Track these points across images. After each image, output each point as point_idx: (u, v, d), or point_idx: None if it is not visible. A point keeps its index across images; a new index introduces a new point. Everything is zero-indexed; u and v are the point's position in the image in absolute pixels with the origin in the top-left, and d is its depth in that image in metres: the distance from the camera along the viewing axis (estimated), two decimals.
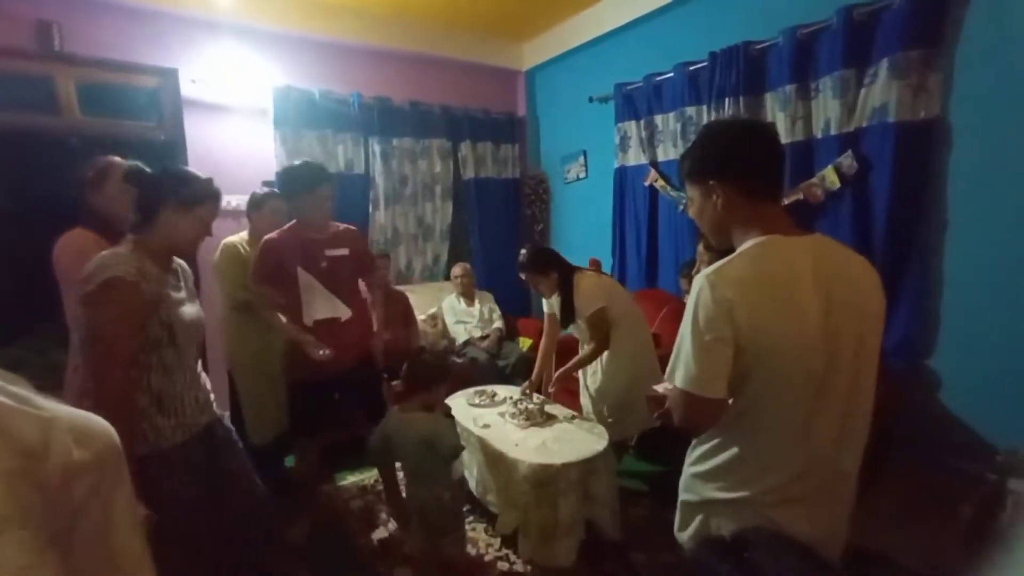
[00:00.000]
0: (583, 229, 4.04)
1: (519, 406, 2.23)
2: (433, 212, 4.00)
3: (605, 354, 2.22)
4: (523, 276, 2.30)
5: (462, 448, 1.72)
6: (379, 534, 2.15)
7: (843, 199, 2.37)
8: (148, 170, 1.33)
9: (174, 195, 1.31)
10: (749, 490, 0.94)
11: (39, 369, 2.10)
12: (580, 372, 2.36)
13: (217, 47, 3.12)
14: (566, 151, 4.09)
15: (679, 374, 0.91)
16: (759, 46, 2.61)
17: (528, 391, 2.38)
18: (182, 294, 1.35)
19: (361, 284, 2.17)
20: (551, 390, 2.32)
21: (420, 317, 3.35)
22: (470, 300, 3.64)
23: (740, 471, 0.96)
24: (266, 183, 2.35)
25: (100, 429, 0.62)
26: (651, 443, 2.44)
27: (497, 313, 3.68)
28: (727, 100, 2.73)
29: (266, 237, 1.98)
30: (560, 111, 4.15)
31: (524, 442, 2.00)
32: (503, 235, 4.28)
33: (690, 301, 0.92)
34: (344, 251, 1.99)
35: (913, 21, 2.08)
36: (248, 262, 2.22)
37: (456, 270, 3.65)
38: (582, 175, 3.99)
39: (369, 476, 2.59)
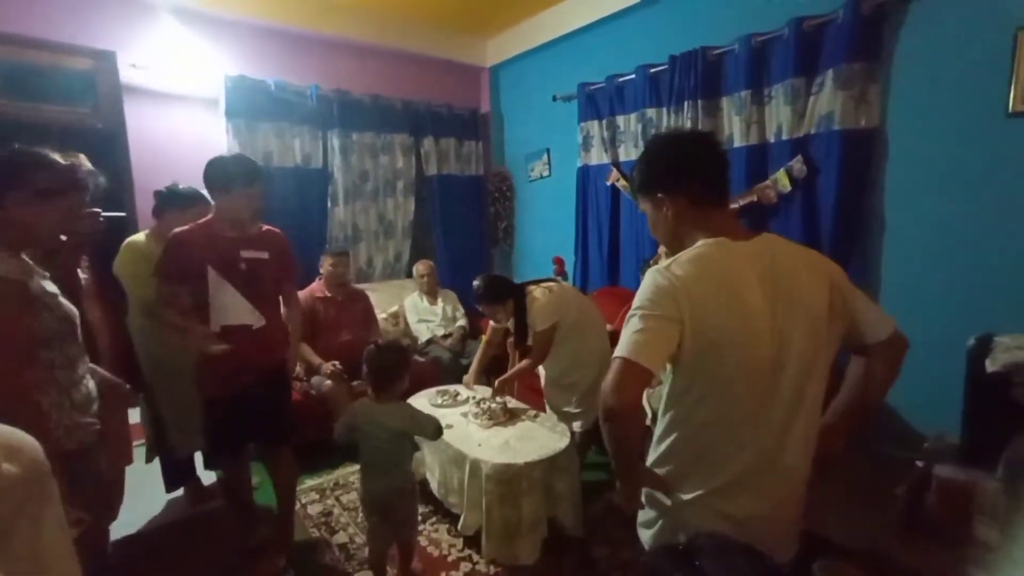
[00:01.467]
0: (547, 227, 4.07)
1: (482, 405, 2.23)
2: (395, 208, 3.93)
3: (568, 349, 2.26)
4: (480, 308, 2.34)
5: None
6: (339, 538, 2.10)
7: (794, 201, 2.49)
8: None
9: (27, 182, 1.14)
10: (704, 488, 0.98)
11: None
12: (541, 368, 2.39)
13: (162, 31, 2.94)
14: (530, 149, 4.10)
15: (620, 346, 0.91)
16: (716, 51, 2.69)
17: (469, 384, 2.48)
18: (53, 286, 1.26)
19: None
20: (499, 400, 2.31)
21: (381, 315, 3.29)
22: (433, 298, 3.60)
23: (695, 471, 0.99)
24: (169, 188, 2.15)
25: (27, 444, 0.59)
26: None
27: (460, 311, 3.65)
28: (686, 103, 2.80)
29: (176, 230, 1.78)
30: (524, 109, 4.15)
31: (487, 441, 2.00)
32: (466, 233, 4.25)
33: (638, 292, 0.95)
34: (264, 254, 1.82)
35: (855, 35, 2.20)
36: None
37: (420, 268, 3.60)
38: (546, 173, 4.01)
39: (328, 479, 2.53)
